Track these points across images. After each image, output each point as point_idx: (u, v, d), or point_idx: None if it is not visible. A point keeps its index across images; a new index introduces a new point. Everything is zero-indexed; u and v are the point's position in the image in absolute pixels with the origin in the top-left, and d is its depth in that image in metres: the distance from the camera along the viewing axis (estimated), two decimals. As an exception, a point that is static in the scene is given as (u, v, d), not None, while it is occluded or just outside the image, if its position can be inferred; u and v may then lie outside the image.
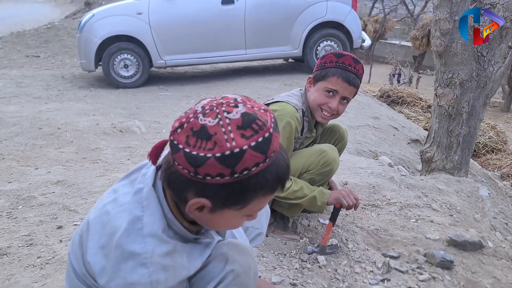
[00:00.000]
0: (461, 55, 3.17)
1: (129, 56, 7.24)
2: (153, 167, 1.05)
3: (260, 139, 0.90)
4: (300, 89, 2.14)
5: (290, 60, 9.09)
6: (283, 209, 2.16)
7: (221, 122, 0.90)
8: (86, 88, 7.29)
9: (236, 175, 0.90)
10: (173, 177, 0.95)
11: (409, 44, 22.72)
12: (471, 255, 2.14)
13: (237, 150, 0.88)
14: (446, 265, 2.00)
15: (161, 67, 7.66)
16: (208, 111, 0.92)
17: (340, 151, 2.30)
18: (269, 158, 0.92)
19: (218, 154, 0.88)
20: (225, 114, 0.91)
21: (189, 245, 1.05)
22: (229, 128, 0.89)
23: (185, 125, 0.93)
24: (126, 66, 7.28)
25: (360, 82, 2.01)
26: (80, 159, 3.71)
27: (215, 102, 0.94)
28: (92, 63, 7.19)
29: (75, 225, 2.27)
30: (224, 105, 0.92)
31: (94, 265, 1.00)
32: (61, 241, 2.08)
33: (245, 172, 0.90)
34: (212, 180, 0.91)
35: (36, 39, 11.54)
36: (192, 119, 0.92)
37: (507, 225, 4.04)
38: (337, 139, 2.31)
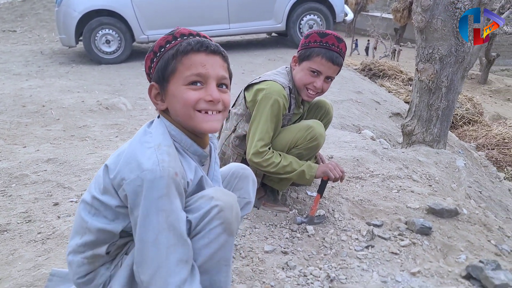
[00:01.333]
0: (441, 31, 3.27)
1: (110, 31, 7.13)
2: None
3: (169, 31, 1.26)
4: (286, 67, 2.21)
5: (273, 34, 9.08)
6: (273, 183, 2.27)
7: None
8: (67, 64, 7.19)
9: (157, 54, 1.23)
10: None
11: (391, 16, 22.76)
12: (448, 222, 2.30)
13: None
14: (425, 231, 2.15)
15: (143, 42, 7.57)
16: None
17: (326, 125, 2.40)
18: (180, 37, 1.22)
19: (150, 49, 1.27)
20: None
21: (187, 159, 1.24)
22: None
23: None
24: (108, 42, 7.18)
25: (343, 60, 2.09)
26: (68, 137, 3.74)
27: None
28: (72, 38, 7.07)
29: (71, 201, 2.33)
30: None
31: (110, 165, 1.19)
32: (59, 217, 2.15)
33: (162, 50, 1.22)
34: (152, 71, 1.25)
35: (11, 13, 11.19)
36: None
37: (481, 193, 4.27)
38: (322, 114, 2.41)
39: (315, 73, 2.06)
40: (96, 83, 5.92)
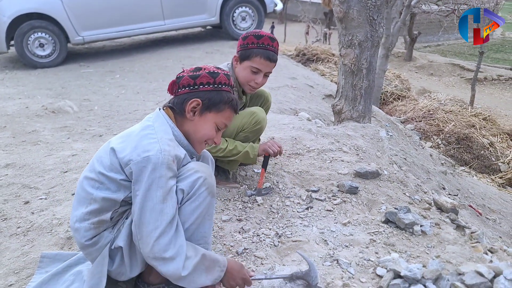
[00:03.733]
0: (357, 19, 3.74)
1: (43, 34, 7.06)
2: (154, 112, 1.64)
3: (226, 73, 1.65)
4: (228, 63, 2.53)
5: (208, 27, 9.32)
6: (224, 164, 2.61)
7: (205, 65, 1.65)
8: (0, 71, 7.03)
9: (216, 85, 1.59)
10: (177, 98, 1.61)
11: (319, 1, 23.55)
12: (371, 182, 2.76)
13: (216, 71, 1.62)
14: (353, 190, 2.60)
15: (79, 44, 7.55)
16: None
17: (266, 111, 2.78)
18: (230, 86, 1.64)
19: (206, 71, 1.60)
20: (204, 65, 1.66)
21: (181, 148, 1.57)
22: (211, 66, 1.64)
23: (185, 70, 1.64)
24: (41, 45, 7.11)
25: (277, 55, 2.45)
26: (19, 143, 3.84)
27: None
28: (3, 44, 6.93)
29: (41, 199, 2.53)
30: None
31: (118, 149, 1.48)
32: (33, 213, 2.35)
33: (220, 86, 1.60)
34: (203, 88, 1.58)
35: None
36: (185, 71, 1.64)
37: (405, 159, 4.87)
38: (262, 101, 2.78)
39: (256, 71, 2.40)
40: (36, 88, 5.91)
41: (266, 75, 2.45)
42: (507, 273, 1.62)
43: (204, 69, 1.61)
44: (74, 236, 1.58)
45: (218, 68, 1.65)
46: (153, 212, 1.42)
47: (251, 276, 1.66)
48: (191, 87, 1.59)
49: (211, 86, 1.59)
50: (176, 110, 1.61)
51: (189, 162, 1.60)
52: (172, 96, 1.66)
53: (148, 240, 1.42)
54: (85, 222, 1.52)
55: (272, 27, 18.42)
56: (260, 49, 2.35)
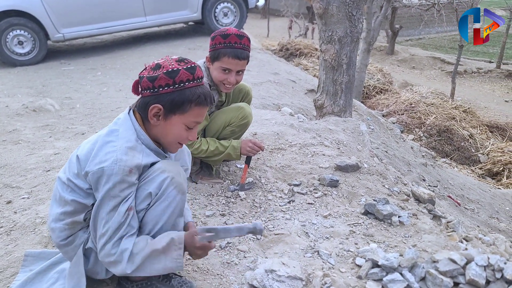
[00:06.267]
0: (336, 15, 3.79)
1: (22, 32, 6.95)
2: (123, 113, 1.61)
3: (189, 66, 1.54)
4: (204, 62, 2.54)
5: (190, 23, 9.28)
6: (208, 160, 2.64)
7: (166, 60, 1.54)
8: (-21, 70, 6.91)
9: (176, 85, 1.50)
10: (141, 101, 1.55)
11: (302, -4, 23.57)
12: (351, 175, 2.83)
13: (175, 68, 1.51)
14: (334, 184, 2.66)
15: (59, 41, 7.45)
16: (160, 58, 1.57)
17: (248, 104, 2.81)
18: (197, 80, 1.54)
19: (164, 70, 1.50)
20: (169, 56, 1.57)
21: (148, 151, 1.57)
22: (171, 61, 1.53)
23: (147, 67, 1.55)
24: (20, 43, 7.00)
25: (249, 51, 2.47)
26: (0, 142, 3.80)
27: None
28: (-19, 42, 6.80)
29: (23, 198, 2.53)
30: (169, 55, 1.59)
31: (81, 157, 1.51)
32: (15, 212, 2.35)
33: (181, 84, 1.50)
34: (162, 91, 1.50)
35: None
36: (149, 63, 1.56)
37: (387, 152, 4.97)
38: (243, 95, 2.81)
39: (226, 71, 2.41)
40: (16, 86, 5.83)
41: (239, 73, 2.45)
42: (478, 259, 1.69)
43: (163, 67, 1.50)
44: (51, 235, 1.61)
45: (181, 61, 1.55)
46: (102, 220, 1.46)
47: (205, 238, 1.60)
48: (151, 90, 1.51)
49: (171, 87, 1.50)
50: (141, 115, 1.57)
51: (157, 161, 1.59)
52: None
53: (98, 245, 1.48)
54: (60, 222, 1.55)
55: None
56: (228, 48, 2.35)
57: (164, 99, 1.51)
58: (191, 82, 1.53)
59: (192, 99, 1.52)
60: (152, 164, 1.56)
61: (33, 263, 1.81)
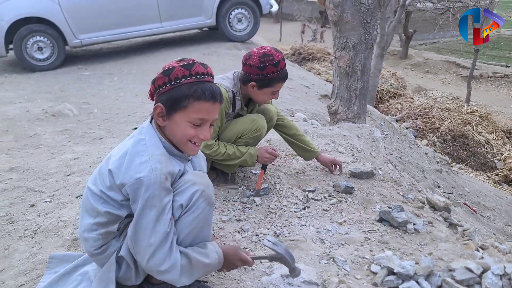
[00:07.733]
0: (351, 23, 3.82)
1: (42, 38, 7.12)
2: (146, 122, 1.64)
3: (186, 63, 1.54)
4: (235, 72, 2.59)
5: (204, 29, 9.38)
6: (223, 167, 2.69)
7: (170, 61, 1.57)
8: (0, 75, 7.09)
9: (172, 83, 1.51)
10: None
11: None
12: (366, 182, 2.85)
13: (171, 66, 1.53)
14: (348, 190, 2.68)
15: (77, 47, 7.60)
16: None
17: (268, 129, 2.80)
18: (194, 76, 1.52)
19: (161, 70, 1.54)
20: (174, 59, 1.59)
21: (174, 158, 1.61)
22: (171, 62, 1.56)
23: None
24: (40, 49, 7.17)
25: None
26: (21, 146, 3.91)
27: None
28: (2, 48, 6.99)
29: (46, 202, 2.61)
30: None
31: (114, 169, 1.51)
32: (39, 215, 2.43)
33: (177, 81, 1.51)
34: (162, 90, 1.53)
35: None
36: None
37: (400, 158, 4.96)
38: (267, 119, 2.81)
39: (274, 94, 2.56)
40: (35, 91, 5.97)
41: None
42: (495, 268, 1.70)
43: (162, 68, 1.55)
44: (83, 244, 1.65)
45: (181, 60, 1.55)
46: (146, 230, 1.47)
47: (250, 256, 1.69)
48: (155, 92, 1.57)
49: (167, 85, 1.51)
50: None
51: (186, 173, 1.63)
52: None
53: (144, 256, 1.49)
54: (93, 232, 1.59)
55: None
56: (280, 74, 2.47)
57: (163, 98, 1.53)
58: (188, 78, 1.51)
59: (188, 94, 1.51)
60: (180, 171, 1.60)
61: (58, 265, 1.87)
